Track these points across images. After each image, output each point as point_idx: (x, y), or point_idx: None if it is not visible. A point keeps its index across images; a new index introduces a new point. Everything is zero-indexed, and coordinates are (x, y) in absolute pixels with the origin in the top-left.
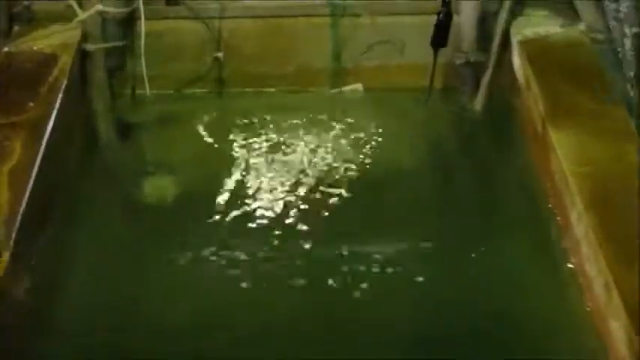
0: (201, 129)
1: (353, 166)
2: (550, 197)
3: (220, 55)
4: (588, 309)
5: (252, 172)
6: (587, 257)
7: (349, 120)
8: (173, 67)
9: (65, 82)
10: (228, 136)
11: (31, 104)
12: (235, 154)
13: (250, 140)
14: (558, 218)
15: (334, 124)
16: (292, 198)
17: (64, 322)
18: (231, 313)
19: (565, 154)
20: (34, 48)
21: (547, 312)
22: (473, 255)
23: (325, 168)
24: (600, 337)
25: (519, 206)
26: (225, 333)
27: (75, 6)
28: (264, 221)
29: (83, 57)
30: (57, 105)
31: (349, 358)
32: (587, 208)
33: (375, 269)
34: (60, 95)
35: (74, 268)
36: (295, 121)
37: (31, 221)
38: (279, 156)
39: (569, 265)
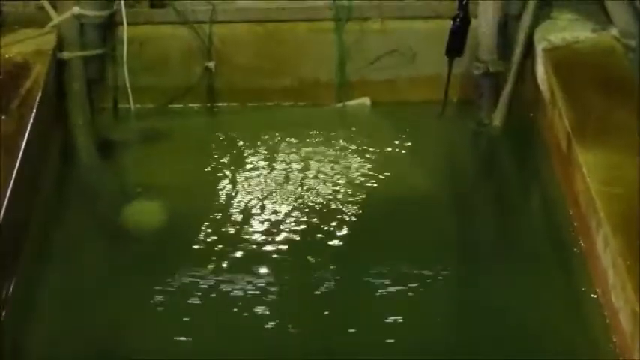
0: (189, 147)
1: (357, 191)
2: (574, 221)
3: (211, 64)
4: (613, 343)
5: (246, 196)
6: (614, 286)
7: (355, 138)
8: (159, 78)
9: (39, 94)
10: (219, 155)
11: (1, 119)
12: (227, 176)
13: (244, 160)
14: (582, 244)
15: (338, 142)
16: (289, 225)
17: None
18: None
19: (592, 174)
20: (5, 55)
21: (568, 345)
22: (486, 283)
23: (329, 191)
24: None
25: (540, 232)
26: None
27: (48, 8)
28: (258, 251)
29: (59, 66)
30: (31, 120)
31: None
32: (615, 233)
33: (381, 292)
34: (34, 109)
35: (46, 311)
36: (295, 140)
37: (1, 257)
38: (275, 178)
39: (593, 296)
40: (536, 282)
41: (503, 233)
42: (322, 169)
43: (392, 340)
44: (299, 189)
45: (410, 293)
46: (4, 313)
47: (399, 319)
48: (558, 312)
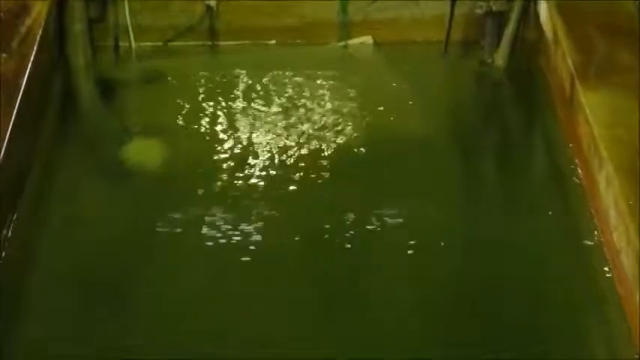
0: (191, 87)
1: (357, 131)
2: (576, 162)
3: (213, 3)
4: (610, 276)
5: (246, 134)
6: (616, 227)
7: (356, 77)
8: (160, 18)
9: (40, 33)
10: (221, 94)
11: (2, 58)
12: (227, 115)
13: (244, 99)
14: (584, 184)
15: (340, 81)
16: (289, 163)
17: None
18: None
19: (595, 116)
20: None
21: (569, 284)
22: (488, 220)
23: (330, 131)
24: (628, 318)
25: (542, 172)
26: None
27: None
28: (259, 188)
29: (60, 6)
30: (30, 60)
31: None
32: (617, 175)
33: (387, 231)
34: (34, 49)
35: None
36: (296, 79)
37: (2, 195)
38: (275, 117)
39: (595, 236)
40: (537, 221)
41: (504, 174)
42: (323, 108)
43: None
44: (299, 128)
45: (411, 228)
46: (4, 252)
47: (399, 241)
48: (558, 247)
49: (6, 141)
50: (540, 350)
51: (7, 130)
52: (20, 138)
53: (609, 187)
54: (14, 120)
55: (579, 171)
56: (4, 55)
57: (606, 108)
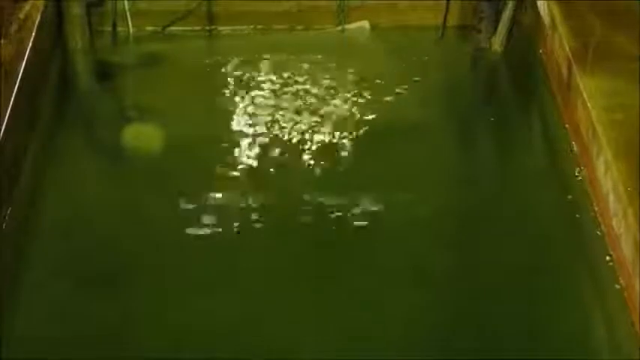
0: (187, 71)
1: (354, 116)
2: (574, 146)
3: None
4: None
5: (243, 118)
6: (615, 213)
7: (353, 61)
8: (158, 3)
9: (38, 18)
10: (219, 78)
11: (1, 42)
12: (224, 99)
13: (242, 84)
14: (583, 169)
15: (337, 65)
16: (285, 148)
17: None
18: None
19: (593, 100)
20: None
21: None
22: (486, 203)
23: (327, 116)
24: (624, 291)
25: (540, 158)
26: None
27: None
28: (252, 171)
29: None
30: (29, 44)
31: None
32: (616, 160)
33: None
34: (33, 33)
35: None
36: (293, 63)
37: (2, 174)
38: (273, 101)
39: (594, 219)
40: (536, 201)
41: (501, 160)
42: (319, 92)
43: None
44: (296, 112)
45: (409, 204)
46: (4, 226)
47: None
48: (558, 228)
49: (4, 123)
50: None
51: (7, 112)
52: (19, 120)
53: (608, 172)
54: (13, 103)
55: (577, 153)
56: (3, 40)
57: (604, 92)
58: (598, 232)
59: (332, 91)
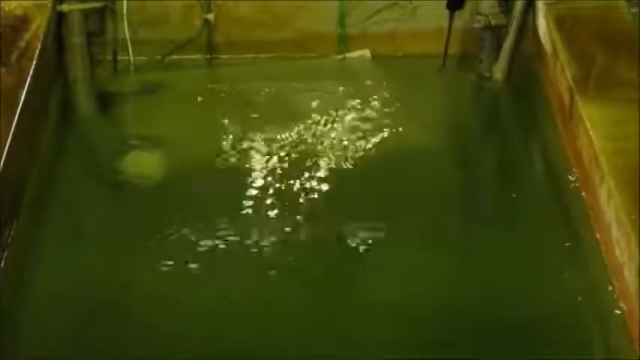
0: (188, 99)
1: (356, 144)
2: (577, 175)
3: (211, 17)
4: (616, 296)
5: (246, 148)
6: (618, 242)
7: (355, 90)
8: (159, 31)
9: (39, 47)
10: (219, 108)
11: (1, 71)
12: (227, 128)
13: (243, 113)
14: (585, 198)
15: (338, 94)
16: (287, 176)
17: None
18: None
19: (595, 129)
20: (5, 8)
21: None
22: (487, 238)
23: (328, 143)
24: (630, 334)
25: (542, 186)
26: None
27: None
28: (256, 204)
29: (59, 19)
30: (30, 73)
31: None
32: (619, 188)
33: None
34: (33, 62)
35: (45, 262)
36: (294, 91)
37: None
38: (273, 130)
39: (597, 249)
40: (537, 234)
41: (503, 188)
42: (321, 120)
43: None
44: (298, 140)
45: (411, 236)
46: (5, 256)
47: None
48: (560, 264)
49: (5, 152)
50: None
51: (7, 141)
52: (19, 150)
53: (610, 200)
54: (13, 132)
55: (580, 182)
56: (3, 69)
57: (606, 121)
58: (600, 261)
59: (334, 119)
